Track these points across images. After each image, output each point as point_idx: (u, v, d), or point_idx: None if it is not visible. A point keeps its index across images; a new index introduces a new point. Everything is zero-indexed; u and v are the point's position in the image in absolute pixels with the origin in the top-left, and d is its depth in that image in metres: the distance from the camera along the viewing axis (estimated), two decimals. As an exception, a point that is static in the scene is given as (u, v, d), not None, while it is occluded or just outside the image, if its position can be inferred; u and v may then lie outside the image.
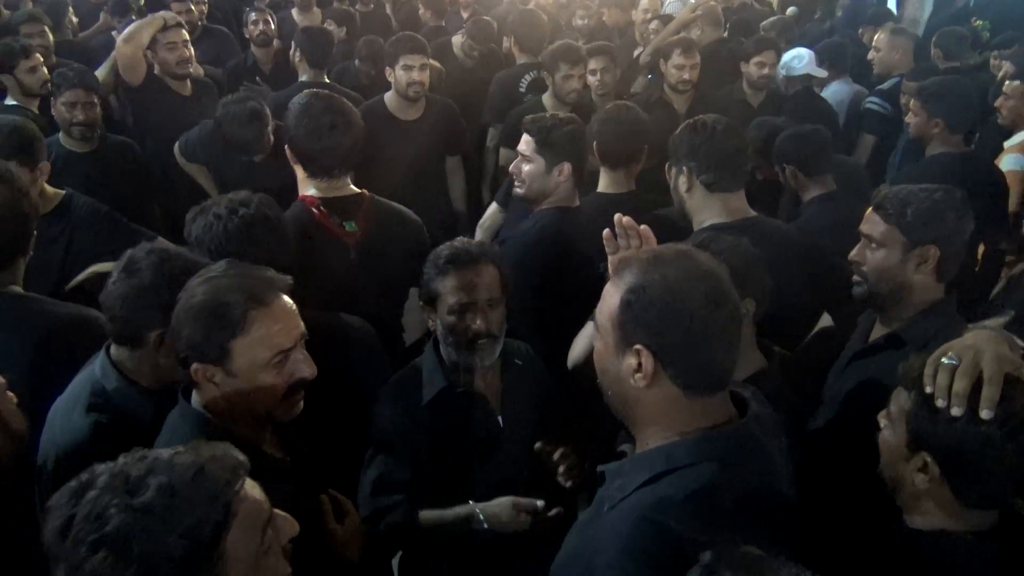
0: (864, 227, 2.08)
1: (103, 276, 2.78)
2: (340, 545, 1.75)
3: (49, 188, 2.92)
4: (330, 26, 5.34)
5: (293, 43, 4.47)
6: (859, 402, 1.94)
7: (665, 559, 1.23)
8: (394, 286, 2.74)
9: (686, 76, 4.32)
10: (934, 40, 5.33)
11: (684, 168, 2.50)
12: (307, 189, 2.61)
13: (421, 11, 6.54)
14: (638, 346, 1.32)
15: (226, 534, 1.09)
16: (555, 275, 2.62)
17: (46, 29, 4.85)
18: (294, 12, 6.00)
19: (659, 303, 1.31)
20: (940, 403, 1.39)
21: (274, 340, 1.58)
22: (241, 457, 1.16)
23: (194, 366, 1.58)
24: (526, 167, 2.74)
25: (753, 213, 2.54)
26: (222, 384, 1.59)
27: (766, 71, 4.55)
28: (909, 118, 3.63)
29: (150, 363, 1.85)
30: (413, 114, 3.89)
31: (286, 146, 2.66)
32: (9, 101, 4.09)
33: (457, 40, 5.35)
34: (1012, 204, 3.62)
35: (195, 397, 1.66)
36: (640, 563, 1.24)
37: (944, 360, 1.43)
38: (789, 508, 1.42)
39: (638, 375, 1.33)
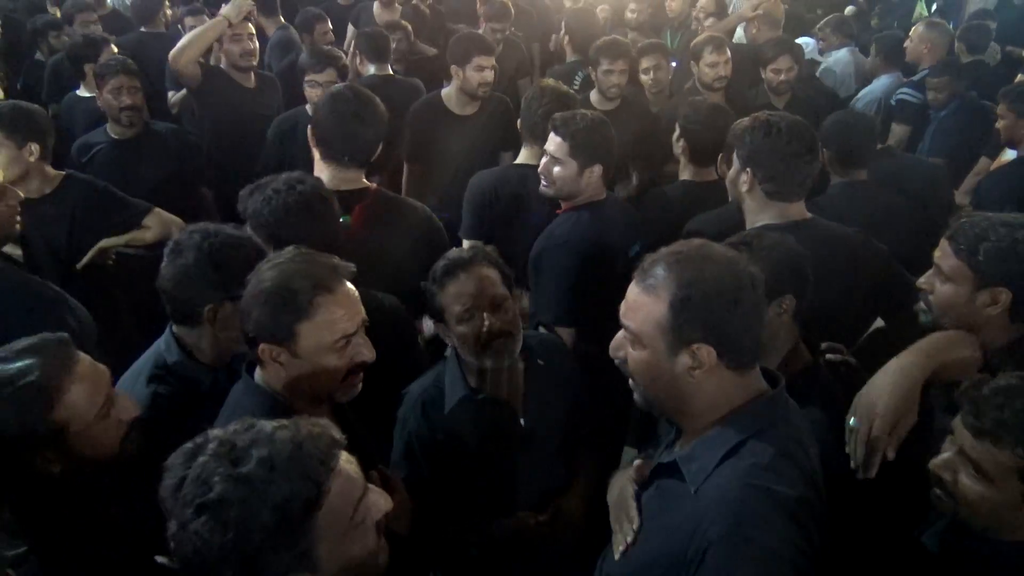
0: (936, 256, 1.95)
1: (111, 251, 3.02)
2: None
3: (50, 170, 3.03)
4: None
5: (353, 47, 4.59)
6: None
7: (779, 516, 1.32)
8: (395, 280, 2.61)
9: (721, 72, 4.29)
10: (958, 34, 5.39)
11: (748, 170, 2.42)
12: (319, 174, 2.64)
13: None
14: (696, 345, 1.37)
15: (317, 509, 1.15)
16: (592, 272, 2.65)
17: (96, 19, 5.19)
18: (375, 6, 6.07)
19: (714, 298, 1.36)
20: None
21: (338, 325, 1.66)
22: (338, 435, 1.23)
23: (261, 346, 1.66)
24: (556, 169, 2.72)
25: (809, 215, 2.47)
26: (287, 364, 1.67)
27: (783, 76, 4.47)
28: (998, 122, 3.78)
29: (209, 339, 1.97)
30: (470, 110, 3.95)
31: (308, 129, 2.72)
32: (82, 92, 4.30)
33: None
34: None
35: (258, 374, 1.74)
36: (760, 524, 1.31)
37: (851, 423, 1.73)
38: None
39: (698, 371, 1.38)
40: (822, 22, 6.07)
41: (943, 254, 1.92)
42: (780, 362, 1.88)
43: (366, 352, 1.72)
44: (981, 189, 3.75)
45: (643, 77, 4.46)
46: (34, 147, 2.91)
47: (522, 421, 2.13)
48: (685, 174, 3.22)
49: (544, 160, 2.77)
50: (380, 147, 2.74)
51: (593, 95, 4.24)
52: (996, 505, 1.48)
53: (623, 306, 1.47)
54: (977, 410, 1.48)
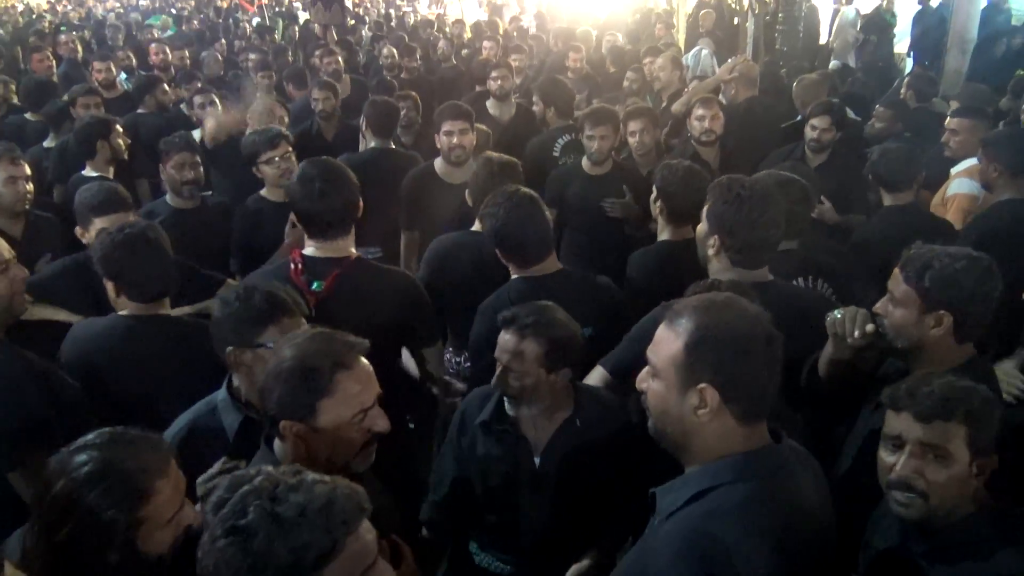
0: (889, 283, 2.15)
1: None
2: None
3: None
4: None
5: (363, 113, 4.78)
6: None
7: (714, 564, 1.39)
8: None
9: (707, 125, 4.51)
10: (907, 81, 5.80)
11: (716, 236, 2.51)
12: (307, 246, 2.80)
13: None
14: (703, 385, 1.48)
15: (328, 563, 1.25)
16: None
17: (100, 101, 5.42)
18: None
19: (728, 345, 1.47)
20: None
21: (357, 399, 1.75)
22: (365, 502, 1.33)
23: (283, 423, 1.75)
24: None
25: (770, 277, 2.57)
26: (307, 439, 1.75)
27: (818, 135, 4.50)
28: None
29: (246, 380, 2.14)
30: (460, 177, 4.02)
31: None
32: (88, 172, 4.40)
33: (490, 101, 5.73)
34: (957, 224, 3.88)
35: (278, 447, 1.83)
36: (692, 567, 1.39)
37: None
38: (822, 528, 1.56)
39: (702, 411, 1.49)
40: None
41: (895, 281, 2.11)
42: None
43: (381, 423, 1.80)
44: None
45: (630, 140, 4.62)
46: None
47: (536, 460, 2.27)
48: (664, 235, 3.29)
49: None
50: (360, 208, 2.83)
51: (584, 160, 4.39)
52: (958, 482, 1.66)
53: (651, 343, 1.59)
54: (917, 401, 1.70)
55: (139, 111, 6.09)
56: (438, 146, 4.15)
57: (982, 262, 2.05)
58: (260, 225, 3.76)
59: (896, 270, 2.14)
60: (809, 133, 4.57)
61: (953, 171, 4.30)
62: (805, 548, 1.49)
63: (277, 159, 3.77)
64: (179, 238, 3.65)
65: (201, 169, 3.98)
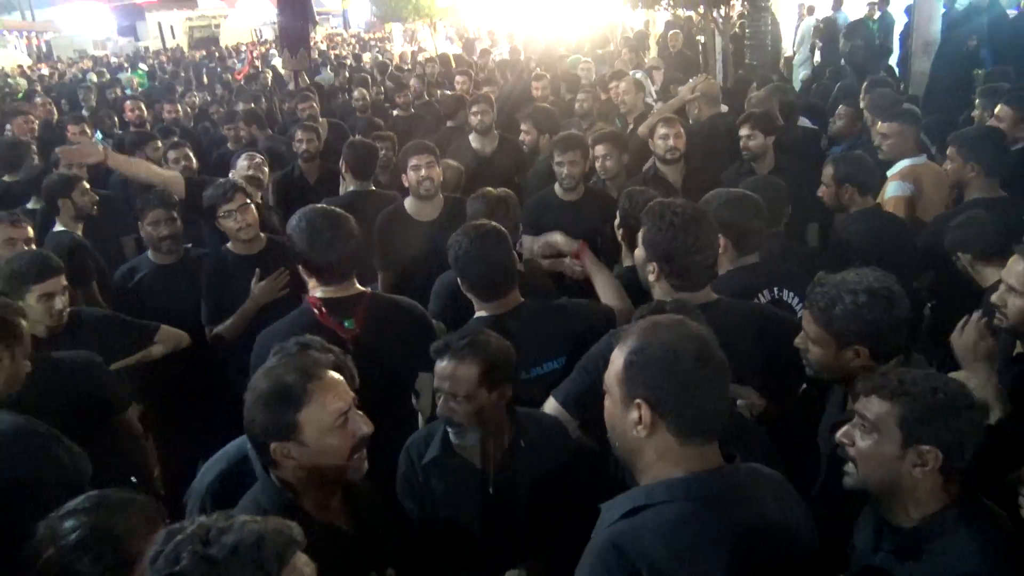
0: (803, 321, 2.23)
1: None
2: None
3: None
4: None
5: (342, 155, 4.88)
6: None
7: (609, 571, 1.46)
8: (397, 373, 2.88)
9: (671, 143, 4.60)
10: (865, 86, 5.97)
11: (654, 263, 2.53)
12: (314, 291, 2.85)
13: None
14: (638, 400, 1.55)
15: None
16: None
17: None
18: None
19: (657, 363, 1.54)
20: None
21: (333, 405, 1.85)
22: (298, 536, 1.39)
23: (273, 446, 1.83)
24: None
25: (715, 297, 2.59)
26: (298, 456, 1.84)
27: (742, 143, 4.76)
28: (946, 165, 4.03)
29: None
30: (430, 214, 4.12)
31: (299, 260, 2.87)
32: (57, 227, 4.53)
33: (472, 135, 5.78)
34: None
35: (274, 473, 1.91)
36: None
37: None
38: (785, 550, 1.59)
39: (639, 426, 1.56)
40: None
41: (807, 321, 2.18)
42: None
43: (364, 426, 1.91)
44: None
45: (596, 164, 4.69)
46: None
47: (491, 490, 2.32)
48: (628, 261, 3.28)
49: None
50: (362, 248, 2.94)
51: (555, 187, 4.45)
52: (885, 460, 1.72)
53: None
54: (866, 379, 1.80)
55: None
56: (405, 184, 4.22)
57: (881, 293, 2.09)
58: (226, 278, 3.79)
59: (805, 310, 2.22)
60: (741, 144, 4.78)
61: (888, 174, 4.42)
62: (760, 570, 1.53)
63: (235, 211, 3.72)
64: (162, 292, 3.84)
65: (178, 224, 4.02)
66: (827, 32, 13.26)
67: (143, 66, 21.34)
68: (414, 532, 2.37)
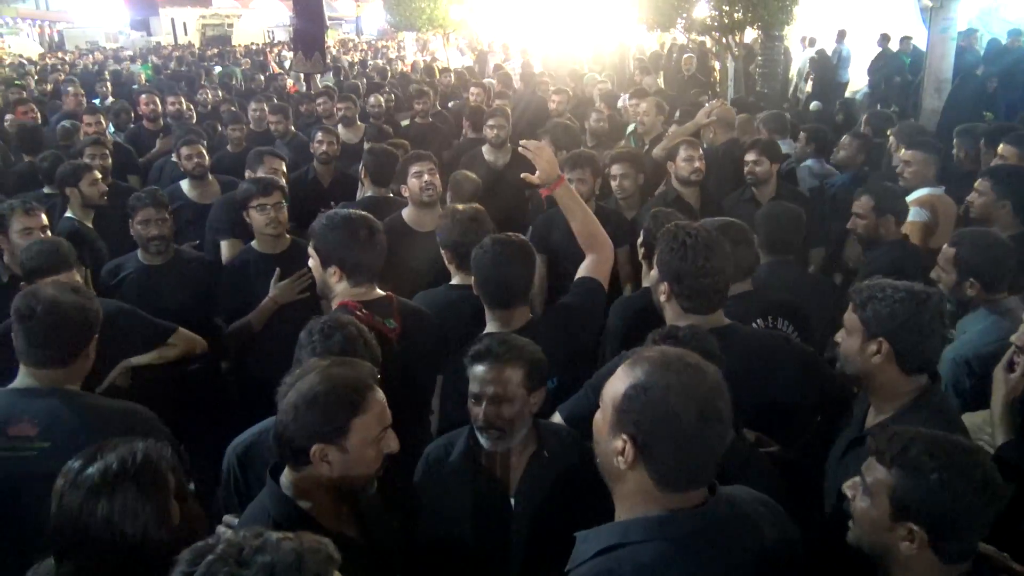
0: (846, 313, 2.27)
1: (128, 372, 3.23)
2: None
3: None
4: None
5: (362, 160, 4.88)
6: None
7: None
8: (428, 373, 2.97)
9: (696, 165, 4.63)
10: (865, 118, 6.26)
11: (666, 283, 2.55)
12: (344, 296, 2.83)
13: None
14: (625, 436, 1.49)
15: None
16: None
17: (107, 152, 5.45)
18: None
19: (654, 408, 1.46)
20: None
21: (383, 416, 1.89)
22: (335, 554, 1.34)
23: (314, 447, 1.82)
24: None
25: (727, 322, 2.59)
26: (334, 462, 1.83)
27: (748, 168, 4.83)
28: (973, 197, 4.06)
29: None
30: (429, 225, 4.02)
31: (319, 258, 2.87)
32: (68, 214, 4.59)
33: (485, 148, 5.81)
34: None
35: (285, 479, 1.90)
36: None
37: None
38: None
39: (620, 458, 1.51)
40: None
41: (848, 310, 2.23)
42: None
43: (393, 444, 1.92)
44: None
45: (613, 184, 4.71)
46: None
47: (512, 503, 2.29)
48: (647, 281, 3.21)
49: None
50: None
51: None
52: (874, 526, 1.65)
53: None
54: (879, 435, 1.70)
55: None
56: (405, 193, 4.17)
57: (920, 296, 2.14)
58: (246, 275, 3.79)
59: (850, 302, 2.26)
60: (746, 169, 4.84)
61: (908, 199, 4.41)
62: None
63: (269, 206, 3.79)
64: (146, 293, 3.77)
65: (169, 224, 3.99)
66: (820, 64, 13.59)
67: (155, 58, 21.38)
68: (424, 541, 2.34)
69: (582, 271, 3.03)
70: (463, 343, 2.83)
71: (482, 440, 2.29)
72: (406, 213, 4.20)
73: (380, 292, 2.92)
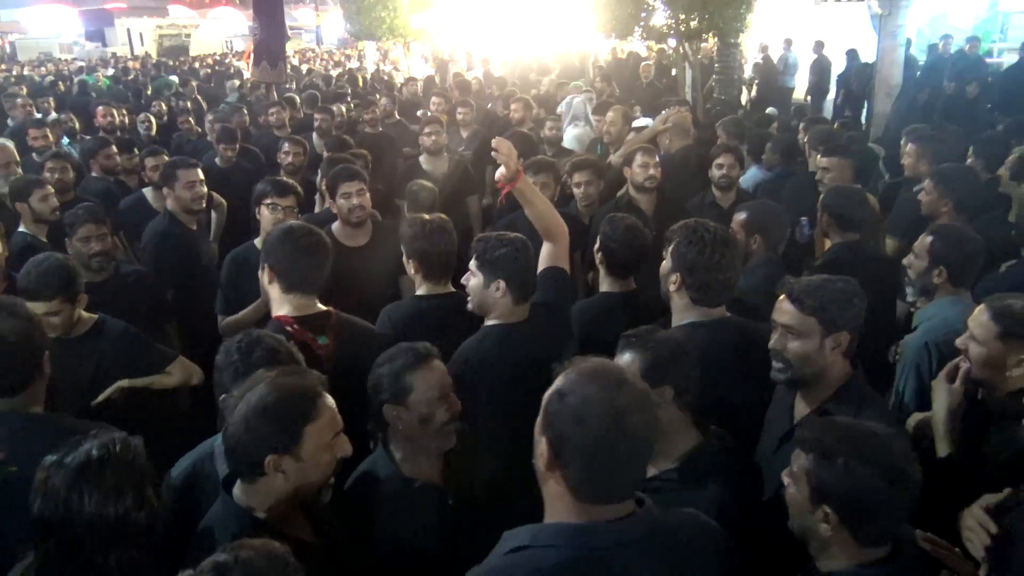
0: (782, 319, 2.29)
1: (127, 391, 3.16)
2: None
3: (84, 313, 3.21)
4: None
5: (319, 171, 4.84)
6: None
7: None
8: (359, 384, 2.83)
9: (651, 172, 4.70)
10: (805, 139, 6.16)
11: (678, 274, 2.67)
12: (280, 309, 2.84)
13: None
14: (545, 438, 1.53)
15: None
16: (502, 389, 2.70)
17: (68, 166, 5.35)
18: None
19: (568, 415, 1.48)
20: None
21: (334, 421, 1.90)
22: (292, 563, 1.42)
23: (268, 458, 1.81)
24: (471, 280, 2.87)
25: (728, 315, 2.71)
26: (288, 471, 1.83)
27: (724, 172, 4.94)
28: (922, 196, 4.17)
29: None
30: (361, 240, 4.02)
31: (265, 267, 2.88)
32: (21, 229, 4.50)
33: (423, 157, 5.85)
34: None
35: (238, 491, 1.90)
36: None
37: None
38: None
39: (540, 460, 1.54)
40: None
41: (788, 316, 2.28)
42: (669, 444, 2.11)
43: (346, 447, 1.94)
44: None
45: (575, 191, 4.78)
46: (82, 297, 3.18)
47: (449, 501, 2.28)
48: (604, 285, 3.38)
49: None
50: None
51: (526, 210, 4.48)
52: (800, 509, 1.77)
53: None
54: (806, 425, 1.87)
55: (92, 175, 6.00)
56: (334, 210, 4.08)
57: (851, 283, 2.28)
58: (248, 270, 3.71)
59: (783, 304, 2.30)
60: (715, 172, 4.96)
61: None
62: None
63: (280, 208, 3.86)
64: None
65: (110, 239, 3.89)
66: (764, 69, 14.05)
67: (102, 72, 20.97)
68: (377, 550, 2.29)
69: (543, 260, 3.07)
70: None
71: (444, 443, 2.31)
72: (335, 227, 4.05)
73: (321, 307, 2.91)
